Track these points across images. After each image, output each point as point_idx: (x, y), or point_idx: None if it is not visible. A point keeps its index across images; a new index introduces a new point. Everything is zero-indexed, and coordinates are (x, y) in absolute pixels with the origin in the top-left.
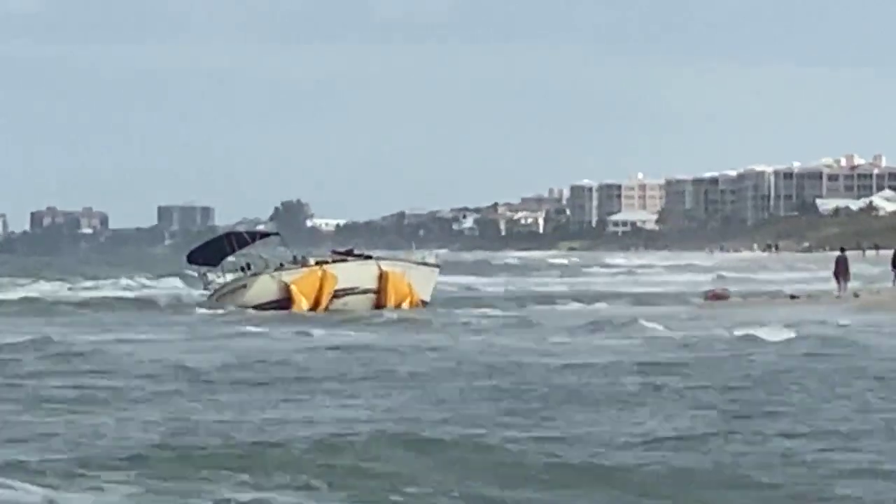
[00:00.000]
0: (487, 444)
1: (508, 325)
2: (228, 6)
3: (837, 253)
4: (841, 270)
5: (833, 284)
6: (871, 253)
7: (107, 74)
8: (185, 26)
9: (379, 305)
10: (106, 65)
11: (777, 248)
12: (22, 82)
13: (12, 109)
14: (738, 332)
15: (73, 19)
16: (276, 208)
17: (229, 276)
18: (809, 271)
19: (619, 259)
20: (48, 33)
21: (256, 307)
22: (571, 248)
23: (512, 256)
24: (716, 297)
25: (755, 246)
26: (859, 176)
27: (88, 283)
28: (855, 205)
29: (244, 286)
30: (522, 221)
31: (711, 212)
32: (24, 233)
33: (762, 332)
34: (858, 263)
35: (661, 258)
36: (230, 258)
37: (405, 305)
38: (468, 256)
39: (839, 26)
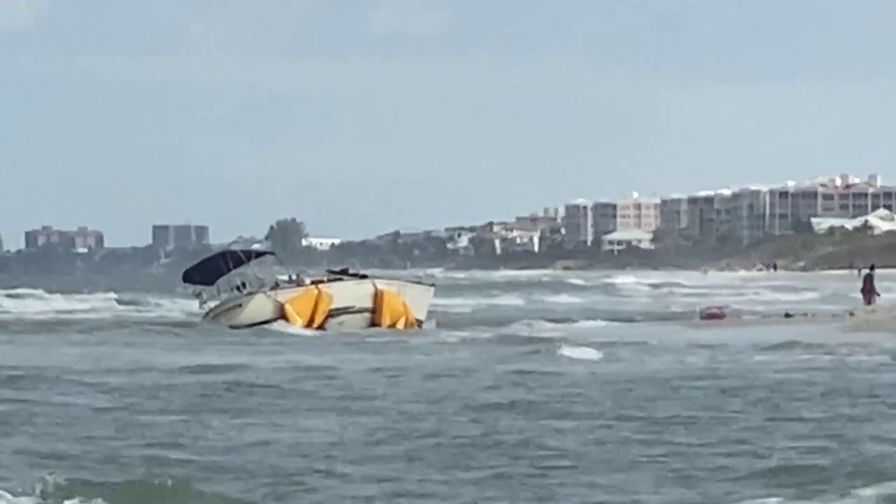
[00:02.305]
0: None
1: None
2: (224, 22)
3: (865, 271)
4: (868, 287)
5: (863, 303)
6: (866, 272)
7: (101, 91)
8: (180, 42)
9: (374, 324)
10: (100, 82)
11: (776, 267)
12: (15, 98)
13: (6, 126)
14: None
15: (68, 34)
16: (272, 227)
17: (224, 296)
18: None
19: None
20: (42, 49)
21: (251, 326)
22: (566, 268)
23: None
24: (711, 315)
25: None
26: (854, 195)
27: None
28: (850, 224)
29: (239, 305)
30: (517, 240)
31: (707, 231)
32: (19, 251)
33: None
34: (855, 282)
35: (656, 277)
36: (225, 277)
37: (400, 325)
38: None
39: (834, 45)
